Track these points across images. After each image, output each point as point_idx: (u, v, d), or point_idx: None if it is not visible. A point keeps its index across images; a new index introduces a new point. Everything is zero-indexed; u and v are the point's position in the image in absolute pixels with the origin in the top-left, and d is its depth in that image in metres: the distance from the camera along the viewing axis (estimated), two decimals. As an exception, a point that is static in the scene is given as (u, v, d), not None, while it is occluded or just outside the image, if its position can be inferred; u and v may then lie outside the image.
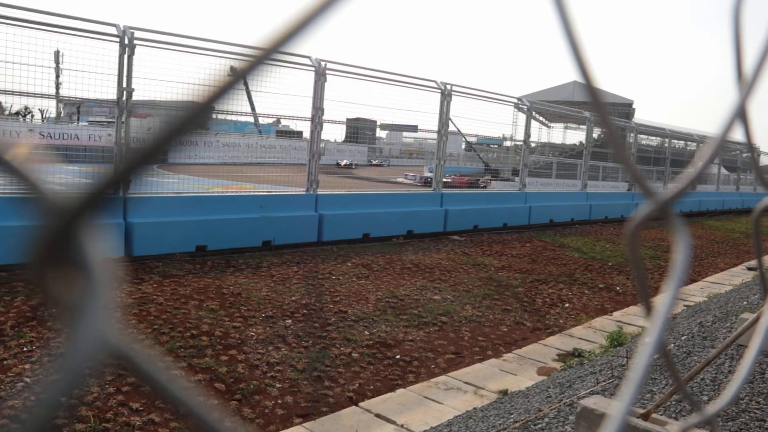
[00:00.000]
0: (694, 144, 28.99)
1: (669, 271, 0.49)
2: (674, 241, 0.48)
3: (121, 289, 6.80)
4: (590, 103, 0.43)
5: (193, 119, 0.25)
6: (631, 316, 7.19)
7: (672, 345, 5.80)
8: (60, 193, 0.24)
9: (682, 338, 5.78)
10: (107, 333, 0.25)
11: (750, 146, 0.73)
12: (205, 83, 0.25)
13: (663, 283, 0.56)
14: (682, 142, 28.19)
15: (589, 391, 4.58)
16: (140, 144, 0.25)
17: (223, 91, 0.26)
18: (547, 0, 0.40)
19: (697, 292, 8.59)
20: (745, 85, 0.54)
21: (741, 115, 0.58)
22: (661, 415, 3.43)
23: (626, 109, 33.18)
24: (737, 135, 0.64)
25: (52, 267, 0.24)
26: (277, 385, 4.64)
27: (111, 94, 8.50)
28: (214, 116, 0.26)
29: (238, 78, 0.26)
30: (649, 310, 0.59)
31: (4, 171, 0.25)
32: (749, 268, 10.70)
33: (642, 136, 25.25)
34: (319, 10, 0.27)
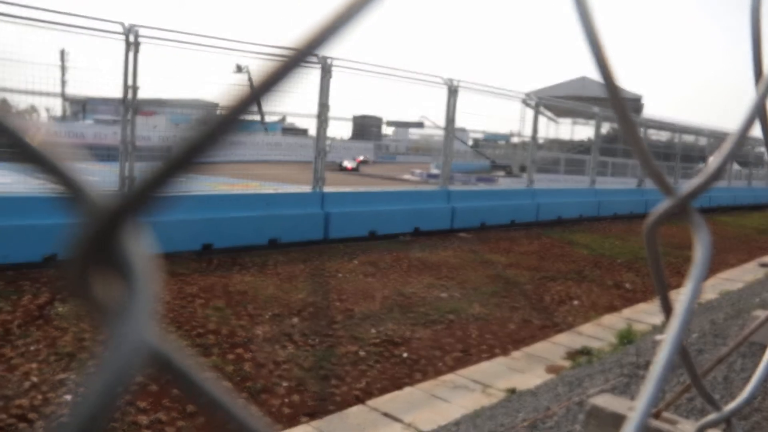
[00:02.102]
0: (705, 139, 28.82)
1: (688, 268, 0.48)
2: (694, 238, 0.47)
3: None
4: (609, 98, 0.41)
5: (234, 119, 0.24)
6: (640, 313, 7.13)
7: (683, 342, 5.74)
8: (103, 192, 0.24)
9: (694, 336, 5.72)
10: (150, 336, 0.24)
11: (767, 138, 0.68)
12: (242, 84, 0.24)
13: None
14: (692, 137, 28.04)
15: (598, 389, 4.53)
16: (183, 143, 0.24)
17: (261, 91, 0.25)
18: None
19: (709, 289, 8.51)
20: (764, 83, 0.53)
21: (760, 112, 0.56)
22: (672, 413, 3.38)
23: (635, 104, 33.02)
24: (755, 132, 0.62)
25: (94, 268, 0.24)
26: (284, 384, 4.61)
27: (117, 92, 8.49)
28: (251, 117, 0.25)
29: (277, 79, 0.25)
30: (667, 307, 0.57)
31: (42, 169, 0.24)
32: (762, 265, 10.61)
33: (651, 131, 25.12)
34: (357, 9, 0.26)
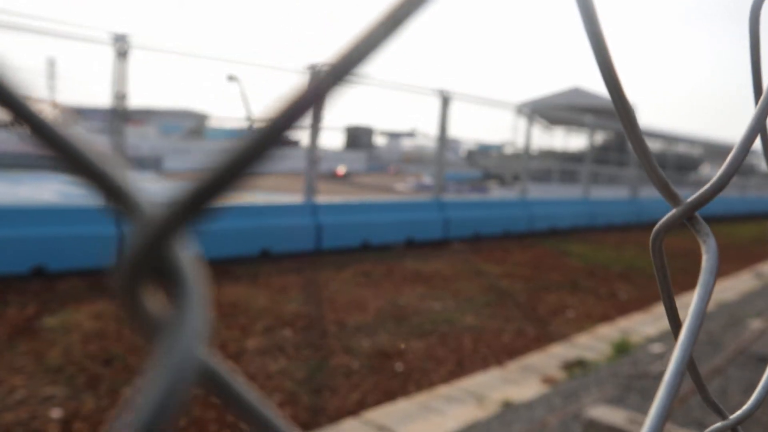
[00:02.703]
0: (698, 148, 28.93)
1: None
2: (702, 246, 0.48)
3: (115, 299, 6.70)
4: (615, 106, 0.42)
5: (283, 129, 0.24)
6: (635, 323, 7.08)
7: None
8: (153, 200, 0.24)
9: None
10: (201, 351, 0.23)
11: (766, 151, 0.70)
12: (288, 97, 0.24)
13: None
14: (685, 146, 28.20)
15: (594, 401, 4.47)
16: (235, 153, 0.24)
17: (308, 103, 0.24)
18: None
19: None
20: (764, 99, 0.54)
21: (761, 128, 0.57)
22: (671, 424, 3.32)
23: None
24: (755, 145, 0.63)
25: (144, 279, 0.23)
26: (276, 397, 4.54)
27: (106, 100, 8.44)
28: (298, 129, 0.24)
29: (322, 92, 0.24)
30: (674, 318, 0.57)
31: (90, 177, 0.23)
32: (758, 274, 10.60)
33: (648, 140, 25.29)
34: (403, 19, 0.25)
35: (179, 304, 0.23)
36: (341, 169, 25.74)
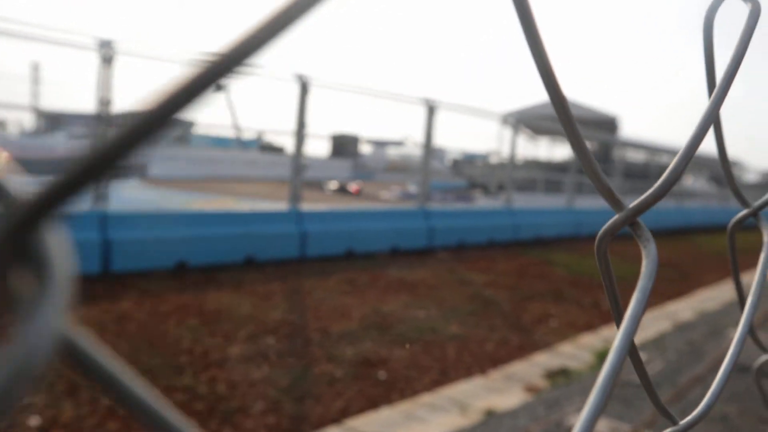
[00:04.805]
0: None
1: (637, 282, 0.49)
2: (642, 251, 0.48)
3: (98, 305, 6.64)
4: (556, 111, 0.41)
5: (161, 122, 0.24)
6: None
7: (660, 362, 5.74)
8: (23, 187, 0.24)
9: (671, 355, 5.72)
10: (62, 328, 0.23)
11: (721, 154, 0.72)
12: (165, 89, 0.24)
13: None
14: (669, 156, 28.43)
15: (577, 410, 4.49)
16: (108, 142, 0.24)
17: (183, 97, 0.24)
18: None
19: (686, 309, 8.55)
20: (718, 93, 0.55)
21: (715, 122, 0.59)
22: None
23: (610, 124, 33.52)
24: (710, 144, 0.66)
25: (10, 263, 0.24)
26: (259, 405, 4.52)
27: (91, 106, 8.38)
28: (178, 124, 0.24)
29: (201, 86, 0.24)
30: (620, 319, 0.57)
31: None
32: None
33: (630, 151, 25.49)
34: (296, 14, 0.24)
35: (42, 285, 0.23)
36: (355, 186, 24.78)
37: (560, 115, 0.41)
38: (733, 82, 0.56)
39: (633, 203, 0.48)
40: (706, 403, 0.63)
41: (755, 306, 0.70)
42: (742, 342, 0.69)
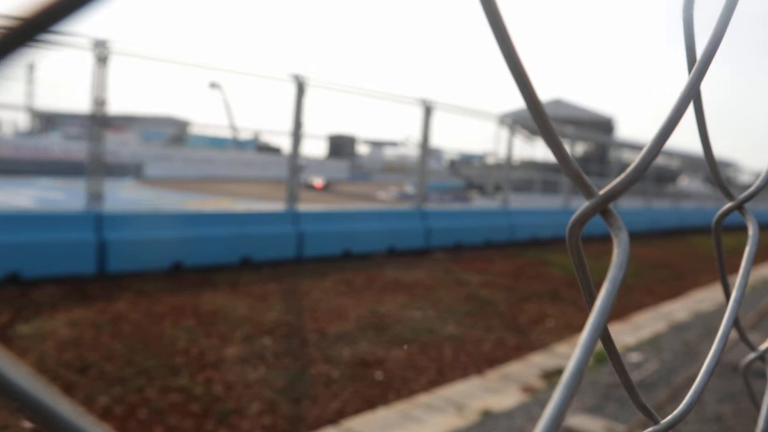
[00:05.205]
0: (678, 159, 29.24)
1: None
2: (613, 240, 0.46)
3: (94, 306, 6.63)
4: (522, 97, 0.39)
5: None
6: (614, 333, 7.11)
7: (656, 362, 5.75)
8: None
9: (666, 356, 5.72)
10: None
11: (702, 134, 0.66)
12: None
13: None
14: (665, 158, 28.51)
15: (573, 410, 4.49)
16: None
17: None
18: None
19: (681, 309, 8.56)
20: (699, 66, 0.52)
21: (695, 96, 0.56)
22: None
23: (606, 125, 33.54)
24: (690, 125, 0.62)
25: None
26: (256, 406, 4.51)
27: (86, 106, 8.36)
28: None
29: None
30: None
31: None
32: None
33: (627, 152, 25.51)
34: None
35: None
36: (319, 182, 25.13)
37: (524, 96, 0.38)
38: (715, 55, 0.53)
39: (604, 189, 0.46)
40: (688, 401, 0.62)
41: (739, 301, 0.70)
42: (725, 338, 0.68)
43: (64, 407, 0.22)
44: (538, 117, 0.40)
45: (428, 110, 12.89)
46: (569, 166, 0.44)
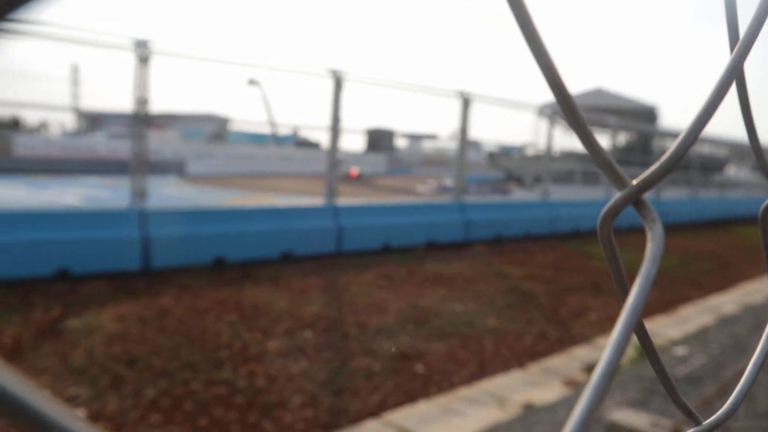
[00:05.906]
0: (725, 148, 28.52)
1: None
2: (647, 232, 0.45)
3: (139, 301, 6.77)
4: (549, 86, 0.38)
5: None
6: (658, 326, 7.00)
7: (702, 356, 5.63)
8: None
9: (713, 350, 5.60)
10: None
11: (747, 119, 0.62)
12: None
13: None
14: (711, 146, 27.85)
15: (617, 404, 4.43)
16: None
17: None
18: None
19: (729, 302, 8.36)
20: (742, 44, 0.49)
21: (738, 77, 0.53)
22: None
23: (650, 114, 32.90)
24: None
25: None
26: (297, 398, 4.55)
27: (129, 106, 8.53)
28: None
29: None
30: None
31: None
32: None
33: (671, 142, 25.04)
34: None
35: None
36: (354, 170, 26.05)
37: (552, 87, 0.38)
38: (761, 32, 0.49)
39: (637, 179, 0.44)
40: (733, 401, 0.59)
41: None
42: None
43: (60, 413, 0.22)
44: (565, 106, 0.39)
45: (466, 102, 12.81)
46: (600, 156, 0.43)
